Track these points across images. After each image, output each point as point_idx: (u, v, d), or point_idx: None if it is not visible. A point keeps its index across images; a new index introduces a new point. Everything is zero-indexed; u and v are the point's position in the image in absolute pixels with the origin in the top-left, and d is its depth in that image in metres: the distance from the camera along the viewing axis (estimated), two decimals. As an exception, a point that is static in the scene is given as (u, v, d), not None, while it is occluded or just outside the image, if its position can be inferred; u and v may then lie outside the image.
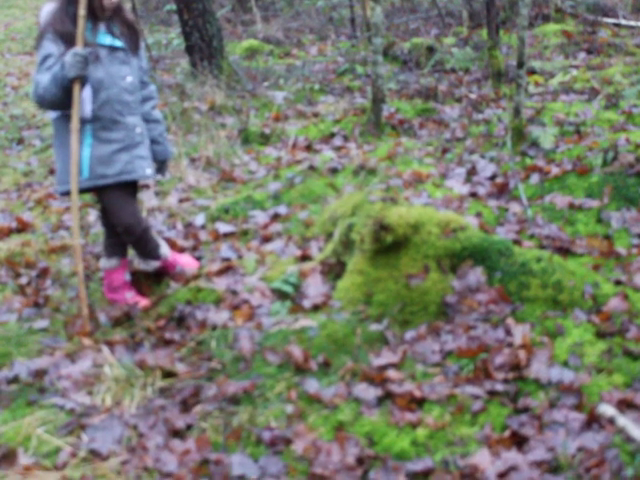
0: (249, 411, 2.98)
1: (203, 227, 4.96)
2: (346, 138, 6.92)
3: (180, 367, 3.34)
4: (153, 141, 4.11)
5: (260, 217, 4.98)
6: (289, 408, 2.98)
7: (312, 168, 5.82)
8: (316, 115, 7.81)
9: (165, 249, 4.19)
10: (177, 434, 2.94)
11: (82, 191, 3.85)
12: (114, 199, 3.92)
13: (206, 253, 4.50)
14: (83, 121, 3.77)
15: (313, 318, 3.53)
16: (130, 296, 4.06)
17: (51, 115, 3.91)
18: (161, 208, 5.36)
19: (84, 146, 3.79)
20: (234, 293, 3.94)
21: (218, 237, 4.75)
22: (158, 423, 2.98)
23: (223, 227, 4.82)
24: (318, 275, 3.88)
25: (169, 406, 3.09)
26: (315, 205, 5.07)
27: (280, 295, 3.84)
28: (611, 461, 2.52)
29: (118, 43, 3.85)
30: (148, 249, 4.10)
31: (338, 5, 14.22)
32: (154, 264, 4.18)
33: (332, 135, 7.05)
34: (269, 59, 11.37)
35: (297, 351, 3.27)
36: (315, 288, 3.80)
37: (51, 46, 3.68)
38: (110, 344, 3.57)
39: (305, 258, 4.19)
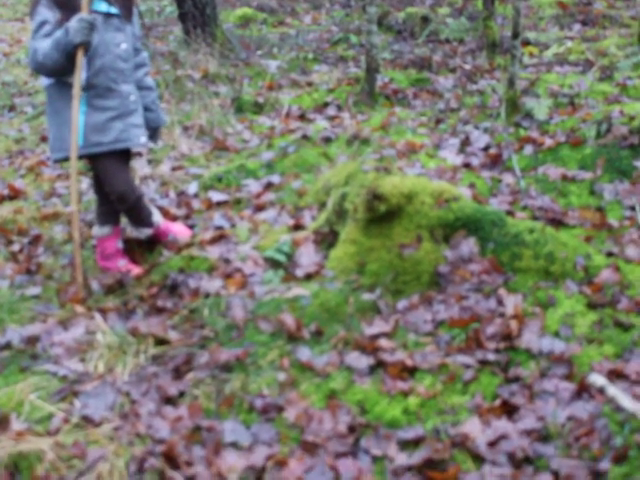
0: (241, 379, 2.99)
1: (196, 196, 4.95)
2: (340, 108, 6.89)
3: (173, 335, 3.34)
4: (146, 108, 4.09)
5: (253, 186, 4.96)
6: (281, 376, 2.99)
7: (305, 137, 5.80)
8: (310, 84, 7.77)
9: (158, 217, 4.19)
10: (169, 401, 2.95)
11: (77, 158, 3.83)
12: (108, 167, 3.90)
13: (199, 221, 4.49)
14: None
15: (306, 287, 3.53)
16: (123, 264, 4.06)
17: (44, 82, 3.88)
18: (154, 176, 5.34)
19: (79, 114, 3.76)
20: (227, 262, 3.94)
21: (211, 206, 4.74)
22: (150, 390, 2.99)
23: (216, 196, 4.81)
24: (311, 244, 3.88)
25: (161, 373, 3.09)
26: (308, 174, 5.06)
27: (273, 264, 3.84)
28: (600, 430, 2.55)
29: (113, 10, 3.81)
30: (141, 217, 4.10)
31: (333, -27, 14.10)
32: (147, 232, 4.17)
33: (326, 104, 7.02)
34: (263, 27, 11.30)
35: (290, 320, 3.28)
36: (308, 257, 3.80)
37: (47, 12, 3.65)
38: (103, 311, 3.57)
39: (298, 227, 4.18)
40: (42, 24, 3.65)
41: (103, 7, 3.78)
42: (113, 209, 4.07)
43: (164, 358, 3.22)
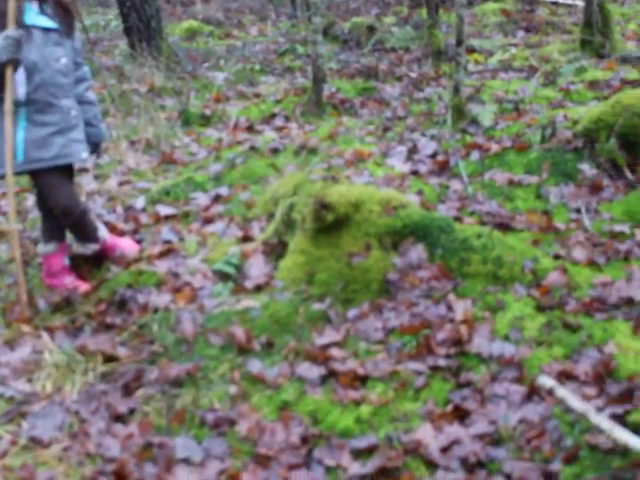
0: (192, 393, 2.96)
1: (143, 210, 4.90)
2: (287, 118, 6.89)
3: (122, 351, 3.30)
4: (87, 123, 4.03)
5: (201, 199, 4.93)
6: (232, 389, 2.97)
7: (253, 149, 5.78)
8: (257, 96, 7.77)
9: (104, 232, 4.14)
10: (119, 419, 2.91)
11: (17, 174, 3.77)
12: (50, 182, 3.84)
13: (147, 236, 4.44)
14: (17, 104, 3.68)
15: (255, 299, 3.51)
16: (69, 281, 4.00)
17: None
18: (101, 191, 5.28)
19: (18, 129, 3.71)
20: (176, 275, 3.90)
21: (159, 220, 4.69)
22: (100, 408, 2.95)
23: (164, 209, 4.76)
24: (260, 255, 3.86)
25: (111, 391, 3.06)
26: (256, 186, 5.04)
27: (222, 276, 3.81)
28: (551, 432, 2.56)
29: (52, 24, 3.76)
30: (86, 232, 4.04)
31: (278, -15, 14.15)
32: (93, 247, 4.11)
33: (273, 115, 7.02)
34: (209, 40, 11.27)
35: (240, 332, 3.26)
36: (257, 268, 3.78)
37: None
38: (50, 330, 3.52)
39: (247, 239, 4.16)
40: None
41: (42, 21, 3.73)
42: (58, 225, 4.01)
43: (113, 375, 3.18)
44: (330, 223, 3.58)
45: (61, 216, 3.90)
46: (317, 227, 3.61)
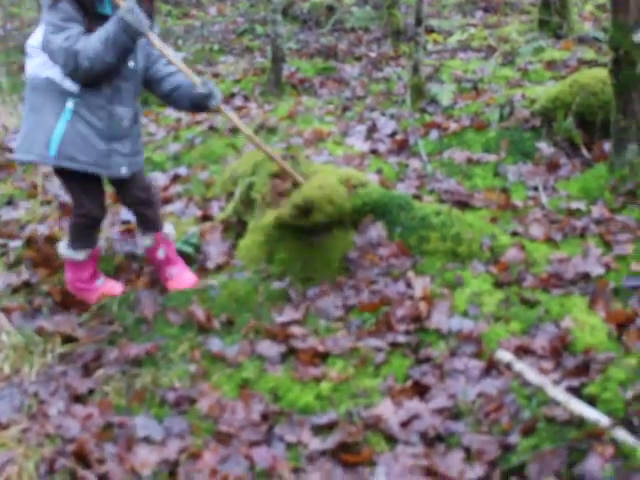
0: (152, 373, 2.95)
1: (102, 190, 4.84)
2: (246, 98, 6.86)
3: (80, 332, 3.28)
4: (179, 86, 3.54)
5: (160, 179, 4.90)
6: (193, 368, 2.96)
7: (212, 128, 5.75)
8: (216, 75, 7.72)
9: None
10: (79, 399, 2.89)
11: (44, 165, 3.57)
12: (79, 188, 3.48)
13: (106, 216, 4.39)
14: (66, 93, 3.30)
15: (215, 278, 3.50)
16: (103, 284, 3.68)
17: (38, 73, 3.32)
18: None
19: (60, 120, 3.29)
20: (134, 256, 3.88)
21: (117, 200, 4.64)
22: (59, 389, 2.92)
23: (122, 190, 4.72)
24: (219, 234, 3.85)
25: (70, 372, 3.03)
26: (216, 165, 5.02)
27: (182, 256, 3.79)
28: (509, 405, 2.59)
29: None
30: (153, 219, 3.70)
31: (236, -35, 14.03)
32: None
33: (232, 95, 6.99)
34: (167, 20, 11.16)
35: (199, 311, 3.25)
36: (216, 248, 3.77)
37: (72, 13, 3.17)
38: (7, 311, 3.47)
39: (206, 218, 4.15)
40: (67, 22, 3.16)
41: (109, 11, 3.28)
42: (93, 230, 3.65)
43: (72, 356, 3.15)
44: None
45: (79, 217, 3.55)
46: (303, 225, 3.54)
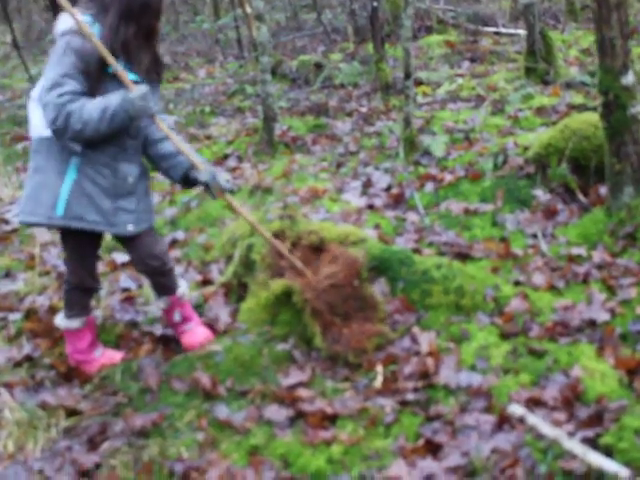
0: (159, 443, 2.90)
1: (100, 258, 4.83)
2: (240, 159, 6.88)
3: (84, 405, 3.23)
4: (170, 155, 3.49)
5: (158, 244, 4.88)
6: (200, 437, 2.91)
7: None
8: (208, 137, 7.76)
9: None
10: (85, 474, 2.83)
11: (50, 227, 3.59)
12: (78, 248, 3.45)
13: (105, 284, 4.37)
14: (72, 152, 3.27)
15: (219, 342, 3.47)
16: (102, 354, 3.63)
17: (39, 134, 3.31)
18: (55, 242, 5.20)
19: (66, 180, 3.26)
20: (135, 324, 3.85)
21: (116, 267, 4.64)
22: (65, 465, 2.86)
23: (120, 257, 4.70)
24: (221, 298, 3.82)
25: (75, 446, 2.97)
26: (213, 228, 5.01)
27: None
28: (524, 460, 2.54)
29: (134, 77, 3.30)
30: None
31: (224, 27, 14.20)
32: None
33: (226, 156, 7.01)
34: (157, 84, 11.24)
35: (204, 377, 3.21)
36: (218, 312, 3.75)
37: (74, 71, 3.14)
38: (9, 386, 3.42)
39: (206, 282, 4.12)
40: (65, 77, 3.12)
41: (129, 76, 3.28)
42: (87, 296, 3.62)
43: (77, 430, 3.10)
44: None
45: (75, 286, 3.52)
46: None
